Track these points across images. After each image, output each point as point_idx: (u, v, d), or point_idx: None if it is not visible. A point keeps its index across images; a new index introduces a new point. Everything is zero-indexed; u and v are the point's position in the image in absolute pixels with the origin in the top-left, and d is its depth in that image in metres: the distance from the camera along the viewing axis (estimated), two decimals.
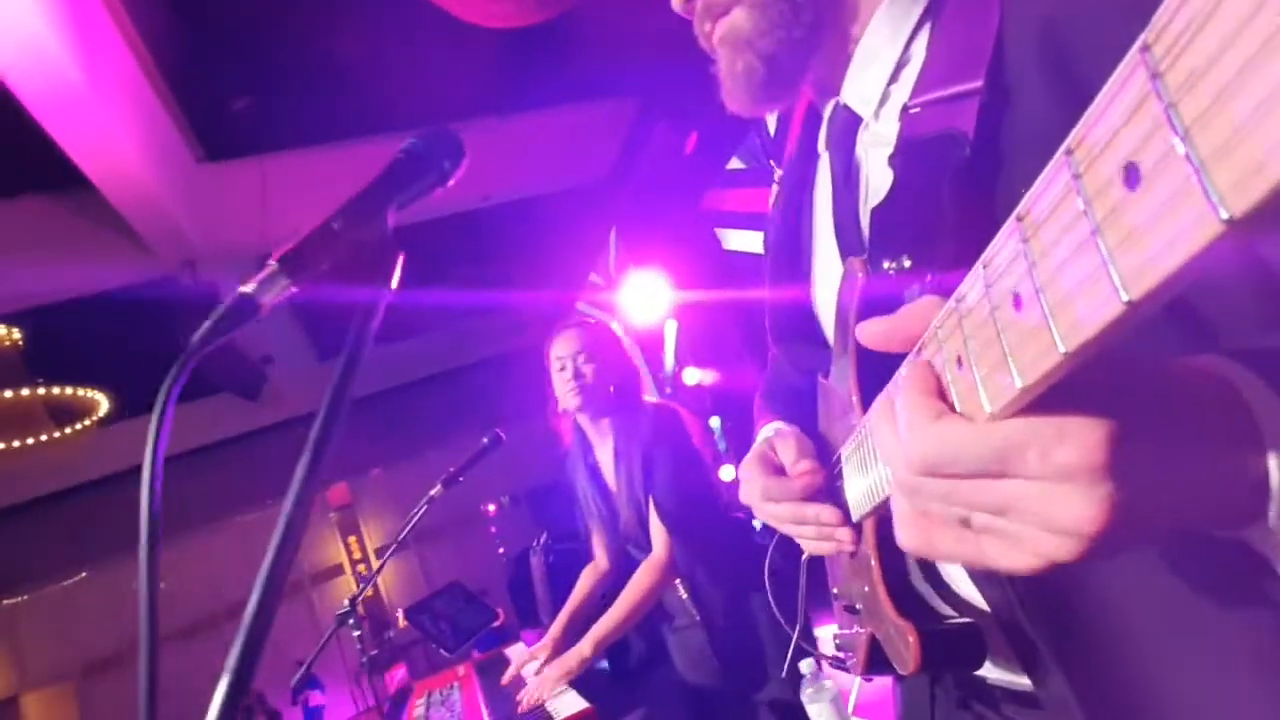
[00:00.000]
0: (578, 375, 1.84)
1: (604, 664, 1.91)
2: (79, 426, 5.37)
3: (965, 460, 0.31)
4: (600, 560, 2.07)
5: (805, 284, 0.73)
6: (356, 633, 1.94)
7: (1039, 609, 0.48)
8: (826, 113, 0.68)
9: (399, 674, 6.74)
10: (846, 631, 0.66)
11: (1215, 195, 0.18)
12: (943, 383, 0.34)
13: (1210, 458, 0.31)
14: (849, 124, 0.63)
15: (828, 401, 0.67)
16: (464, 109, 4.23)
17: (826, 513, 0.59)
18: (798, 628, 0.76)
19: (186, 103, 3.53)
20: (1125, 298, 0.21)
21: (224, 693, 0.38)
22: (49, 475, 6.81)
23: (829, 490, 0.62)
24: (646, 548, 1.80)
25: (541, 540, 2.64)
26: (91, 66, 2.82)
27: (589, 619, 1.87)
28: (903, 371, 0.40)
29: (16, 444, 4.96)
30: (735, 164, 4.35)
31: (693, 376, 4.97)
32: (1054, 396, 0.27)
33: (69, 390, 5.11)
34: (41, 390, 4.93)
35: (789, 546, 0.72)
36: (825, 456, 0.66)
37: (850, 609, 0.63)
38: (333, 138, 4.10)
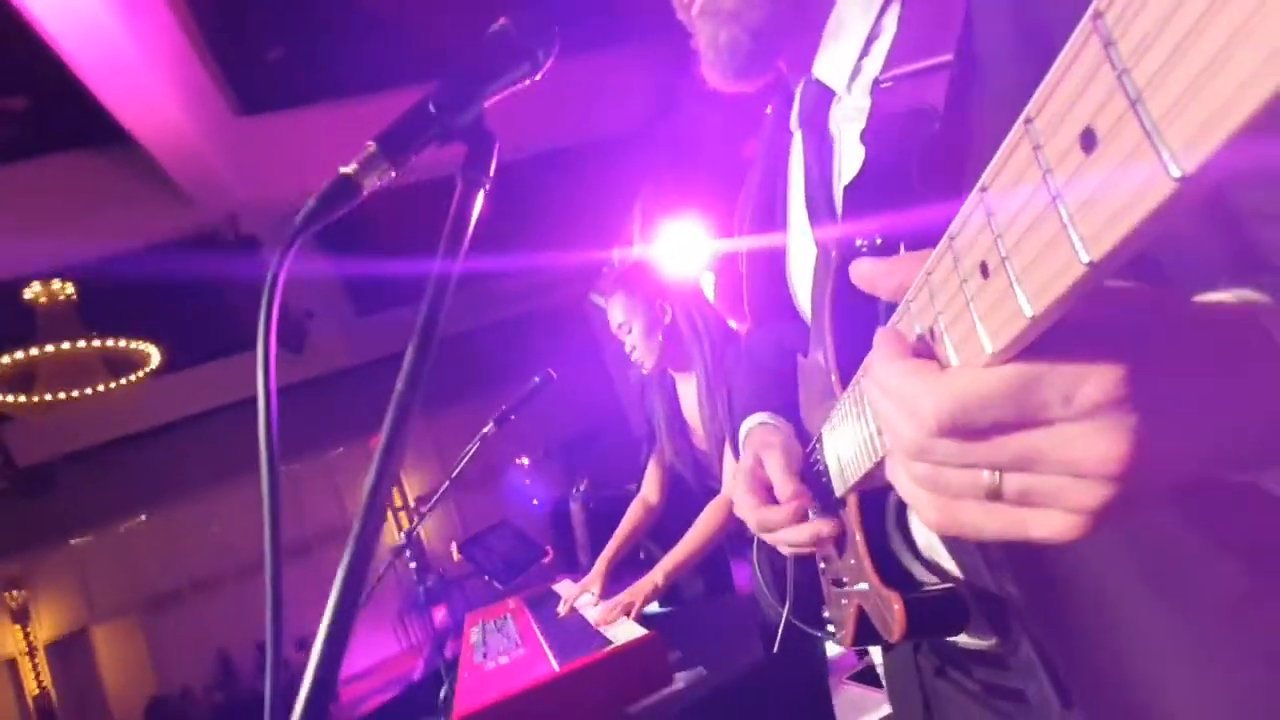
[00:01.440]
0: (629, 348, 1.84)
1: (656, 607, 1.94)
2: (133, 378, 5.58)
3: (983, 404, 0.29)
4: (649, 493, 2.07)
5: (781, 262, 0.74)
6: (413, 564, 2.01)
7: (1005, 570, 0.48)
8: (798, 90, 0.68)
9: (439, 614, 7.05)
10: (834, 605, 0.67)
11: (1167, 154, 0.19)
12: (901, 333, 0.34)
13: (1234, 395, 0.30)
14: (821, 99, 0.63)
15: (807, 378, 0.67)
16: None
17: (825, 527, 0.60)
18: (787, 604, 0.77)
19: (223, 56, 3.53)
20: (1086, 259, 0.22)
21: (327, 627, 0.40)
22: (107, 424, 7.13)
23: (813, 479, 0.63)
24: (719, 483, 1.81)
25: (582, 487, 2.69)
26: (132, 24, 2.83)
27: (634, 551, 1.89)
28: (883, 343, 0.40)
29: (76, 394, 5.18)
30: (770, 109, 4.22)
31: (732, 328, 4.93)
32: (1069, 336, 0.27)
33: (122, 342, 5.30)
34: (96, 343, 5.11)
35: None
36: (807, 436, 0.67)
37: (837, 582, 0.65)
38: (367, 89, 4.08)
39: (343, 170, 0.49)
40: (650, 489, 2.08)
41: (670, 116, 4.65)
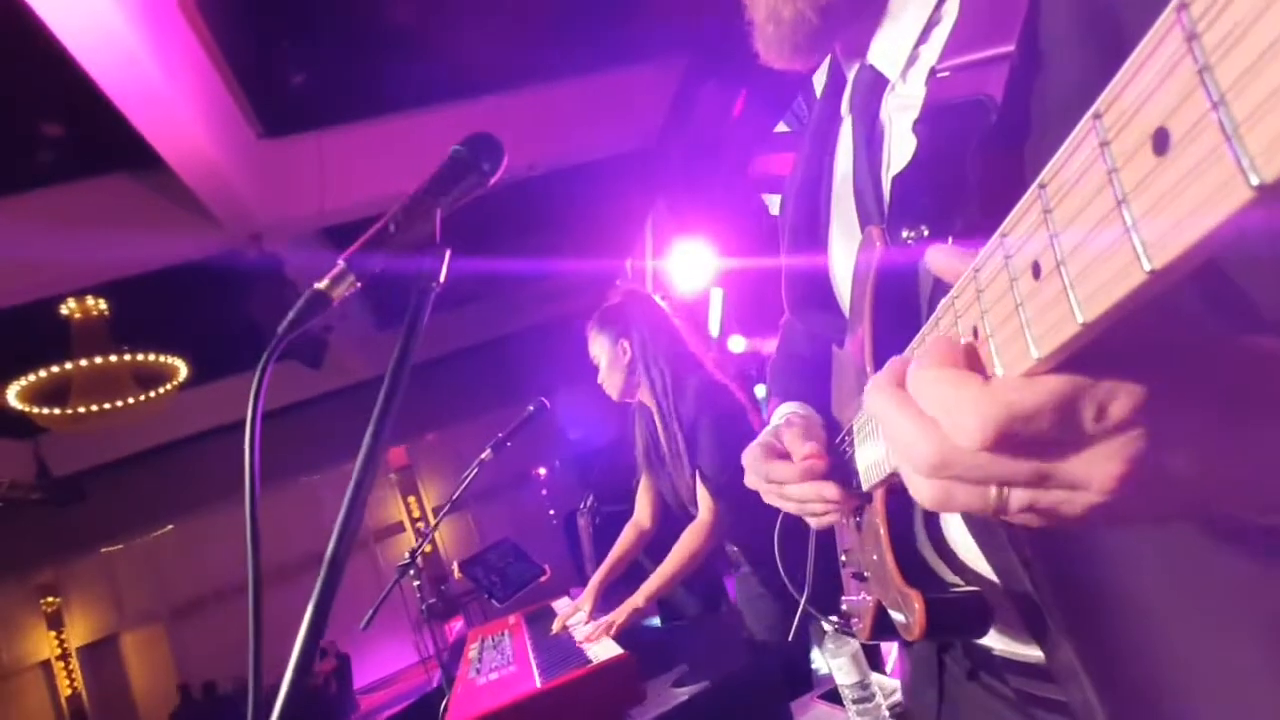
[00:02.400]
0: (600, 378, 2.00)
1: (654, 620, 1.99)
2: (161, 391, 5.74)
3: (1032, 421, 0.28)
4: (641, 517, 2.14)
5: (822, 250, 0.72)
6: (416, 583, 2.08)
7: (1045, 576, 0.47)
8: (851, 74, 0.65)
9: (457, 625, 7.11)
10: (853, 598, 0.66)
11: (1246, 160, 0.18)
12: (955, 341, 0.32)
13: (1259, 436, 0.29)
14: (875, 85, 0.61)
15: (842, 371, 0.66)
16: (512, 77, 4.26)
17: (829, 489, 0.60)
18: (805, 593, 0.77)
19: (247, 82, 3.67)
20: (1148, 266, 0.21)
21: (305, 631, 0.46)
22: (136, 436, 7.32)
23: (839, 466, 0.62)
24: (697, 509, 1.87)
25: (588, 502, 2.74)
26: (163, 55, 2.97)
27: (630, 574, 1.95)
28: (916, 349, 0.39)
29: (107, 407, 5.34)
30: (782, 128, 4.26)
31: (739, 345, 4.96)
32: (1089, 356, 0.26)
33: (151, 357, 5.46)
34: (127, 357, 5.28)
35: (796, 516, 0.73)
36: (837, 427, 0.65)
37: (858, 576, 0.64)
38: (384, 110, 4.20)
39: (316, 286, 0.61)
40: (642, 513, 2.15)
41: (682, 134, 4.71)
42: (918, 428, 0.32)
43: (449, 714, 1.46)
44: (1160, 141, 0.20)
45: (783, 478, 0.63)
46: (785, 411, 0.76)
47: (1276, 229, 0.18)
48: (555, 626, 2.04)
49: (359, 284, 0.62)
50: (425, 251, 0.62)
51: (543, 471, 9.12)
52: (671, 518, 2.03)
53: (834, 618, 0.70)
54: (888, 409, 0.34)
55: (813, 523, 0.68)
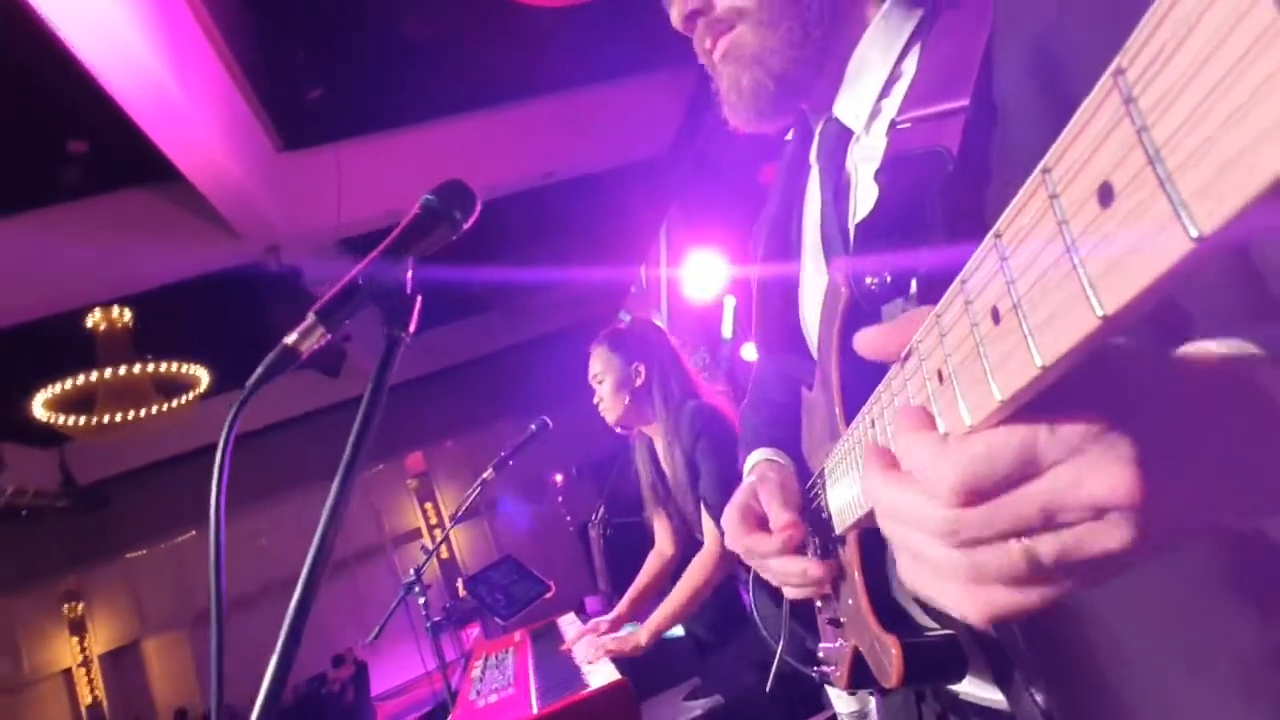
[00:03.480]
0: (598, 399, 1.95)
1: (678, 630, 1.97)
2: (183, 400, 5.83)
3: (998, 462, 0.29)
4: (663, 545, 2.10)
5: (793, 293, 0.74)
6: (422, 600, 2.08)
7: (1010, 624, 0.46)
8: (819, 127, 0.68)
9: (474, 633, 7.12)
10: (830, 645, 0.66)
11: (1185, 215, 0.19)
12: (927, 409, 0.33)
13: (1221, 442, 0.30)
14: (840, 137, 0.64)
15: (811, 414, 0.67)
16: (528, 87, 4.29)
17: (813, 568, 0.60)
18: (781, 644, 0.76)
19: (265, 96, 3.73)
20: (1100, 312, 0.22)
21: (276, 659, 0.48)
22: (159, 444, 7.43)
23: (813, 516, 0.62)
24: None
25: (599, 514, 2.72)
26: (182, 71, 3.03)
27: (657, 600, 1.93)
28: (885, 409, 0.40)
29: (131, 415, 5.43)
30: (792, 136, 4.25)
31: (751, 352, 4.94)
32: (1053, 396, 0.27)
33: (174, 366, 5.55)
34: (150, 367, 5.37)
35: None
36: (808, 471, 0.66)
37: (834, 622, 0.63)
38: (400, 122, 4.24)
39: (285, 341, 0.62)
40: (663, 541, 2.11)
41: (695, 141, 4.72)
42: (914, 496, 0.32)
43: None
44: (1105, 195, 0.21)
45: (763, 552, 0.63)
46: (758, 460, 0.77)
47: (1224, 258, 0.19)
48: (567, 644, 2.03)
49: (328, 335, 0.63)
50: (395, 301, 0.62)
51: (559, 478, 9.13)
52: (695, 542, 2.00)
53: (814, 668, 0.70)
54: (882, 491, 0.34)
55: (789, 593, 0.67)
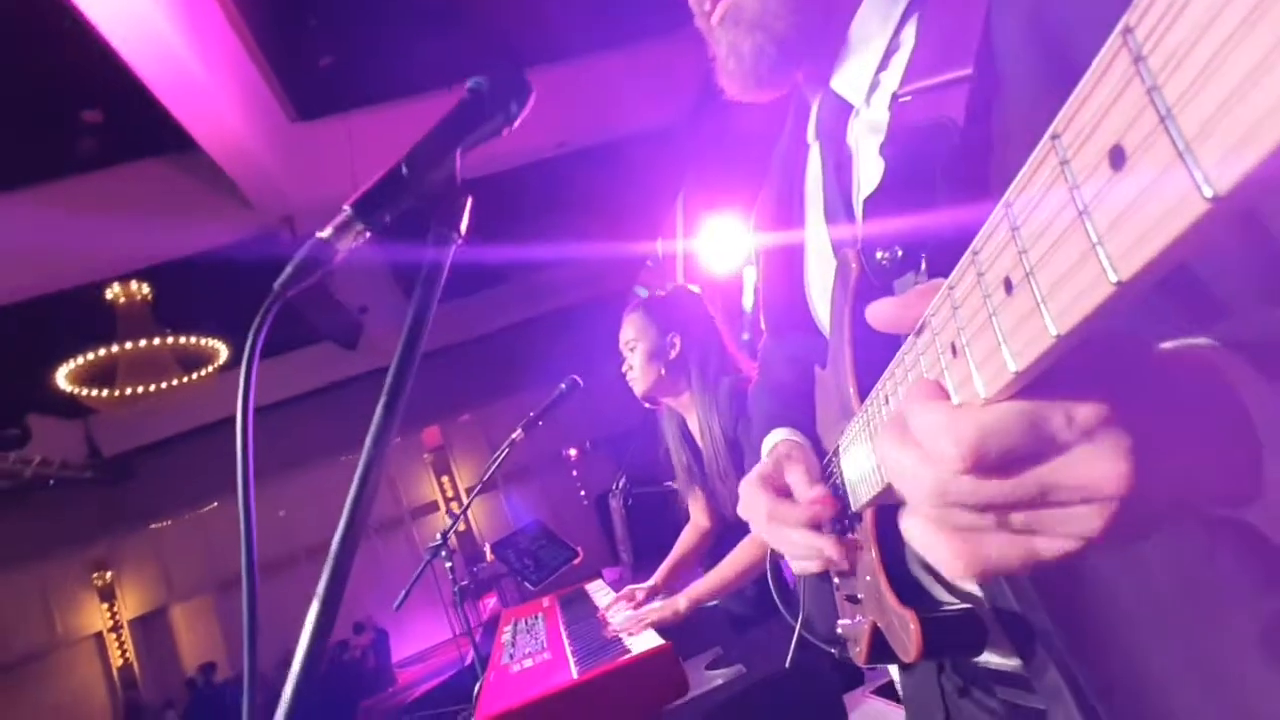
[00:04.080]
0: (627, 367, 1.85)
1: (714, 602, 1.96)
2: (203, 372, 5.90)
3: (1003, 437, 0.29)
4: (698, 518, 2.06)
5: (799, 273, 0.73)
6: (449, 564, 2.08)
7: (1028, 593, 0.47)
8: (815, 102, 0.67)
9: (490, 602, 7.23)
10: (848, 621, 0.66)
11: (1199, 175, 0.18)
12: (940, 383, 0.33)
13: (1203, 437, 0.31)
14: (839, 112, 0.62)
15: (824, 392, 0.66)
16: (541, 53, 4.21)
17: (830, 550, 0.58)
18: (800, 618, 0.75)
19: (277, 64, 3.68)
20: (1114, 279, 0.22)
21: (314, 618, 0.42)
22: (181, 416, 7.55)
23: (832, 494, 0.61)
24: None
25: (620, 483, 2.72)
26: (197, 41, 2.99)
27: (691, 573, 1.90)
28: (899, 385, 0.39)
29: (153, 388, 5.51)
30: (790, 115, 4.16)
31: None
32: (1052, 373, 0.27)
33: (193, 340, 5.60)
34: (169, 340, 5.42)
35: None
36: (822, 451, 0.65)
37: (852, 599, 0.63)
38: (413, 91, 4.19)
39: (319, 235, 0.53)
40: (698, 514, 2.06)
41: (713, 109, 4.62)
42: (916, 458, 0.33)
43: (483, 701, 1.44)
44: (1116, 158, 0.21)
45: (786, 520, 0.61)
46: (777, 439, 0.75)
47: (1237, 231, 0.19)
48: (602, 610, 2.00)
49: (367, 232, 0.54)
50: (443, 197, 0.54)
51: (573, 453, 9.18)
52: (726, 517, 1.96)
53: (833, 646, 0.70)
54: (892, 451, 0.34)
55: (795, 567, 0.66)
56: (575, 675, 1.41)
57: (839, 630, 0.69)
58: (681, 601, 1.78)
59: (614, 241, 6.74)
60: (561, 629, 1.92)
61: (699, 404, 1.80)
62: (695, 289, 2.00)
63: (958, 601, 0.55)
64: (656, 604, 1.83)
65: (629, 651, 1.47)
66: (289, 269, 0.53)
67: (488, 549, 2.45)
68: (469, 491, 9.61)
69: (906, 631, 0.52)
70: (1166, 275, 0.21)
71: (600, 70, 4.40)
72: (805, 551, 0.61)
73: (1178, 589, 0.41)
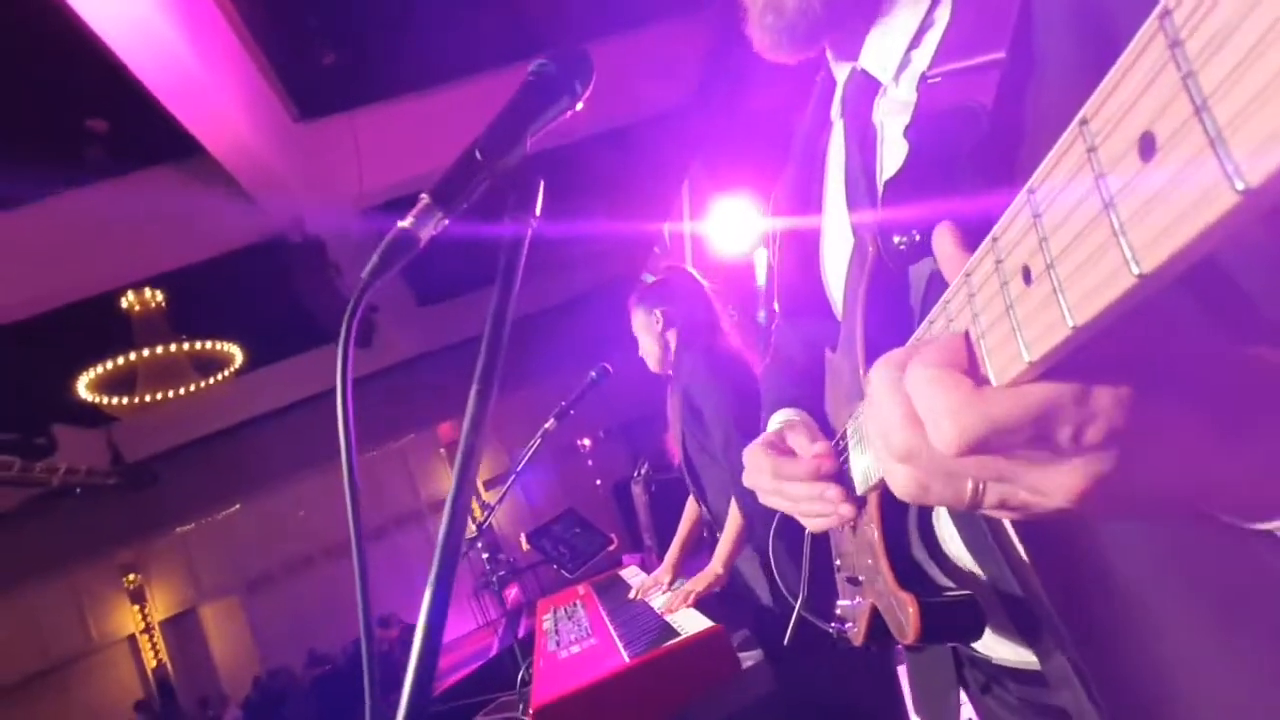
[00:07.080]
0: (642, 350, 1.99)
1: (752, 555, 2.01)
2: (220, 376, 5.95)
3: (1006, 436, 0.29)
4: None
5: (815, 255, 0.72)
6: (485, 555, 2.11)
7: (1035, 581, 0.47)
8: (842, 78, 0.65)
9: (513, 593, 7.29)
10: (848, 602, 0.67)
11: (1230, 166, 0.18)
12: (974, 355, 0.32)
13: (1242, 446, 0.29)
14: (866, 89, 0.61)
15: (835, 375, 0.65)
16: (540, 43, 4.17)
17: (832, 490, 0.58)
18: (800, 598, 0.76)
19: (278, 63, 3.67)
20: (1136, 271, 0.21)
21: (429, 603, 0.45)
22: (201, 421, 7.64)
23: (837, 470, 0.61)
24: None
25: (643, 470, 2.73)
26: (198, 45, 2.99)
27: (698, 544, 1.94)
28: (923, 341, 0.38)
29: (171, 394, 5.57)
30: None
31: None
32: (1079, 363, 0.27)
33: (209, 344, 5.65)
34: (186, 345, 5.47)
35: (792, 519, 0.71)
36: (831, 432, 0.65)
37: (853, 580, 0.64)
38: (416, 87, 4.16)
39: (401, 224, 0.53)
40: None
41: (721, 90, 4.56)
42: (899, 416, 0.33)
43: (536, 688, 1.45)
44: (1146, 147, 0.20)
45: (789, 474, 0.61)
46: (782, 418, 0.76)
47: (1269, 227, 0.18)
48: (634, 594, 2.04)
49: (446, 219, 0.54)
50: (518, 180, 0.54)
51: (587, 442, 9.20)
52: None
53: (832, 624, 0.71)
54: (882, 390, 0.34)
55: (808, 524, 0.65)
56: (627, 659, 1.42)
57: (838, 610, 0.70)
58: (718, 564, 1.81)
59: (621, 226, 6.71)
60: (604, 615, 1.94)
61: (675, 374, 1.87)
62: (692, 270, 2.08)
63: (956, 587, 0.55)
64: (687, 582, 1.84)
65: (679, 634, 1.48)
66: (375, 258, 0.53)
67: (523, 538, 2.47)
68: (486, 485, 9.69)
69: (905, 615, 0.53)
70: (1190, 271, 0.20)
71: (604, 55, 4.35)
72: (812, 502, 0.61)
73: (1198, 580, 0.40)
